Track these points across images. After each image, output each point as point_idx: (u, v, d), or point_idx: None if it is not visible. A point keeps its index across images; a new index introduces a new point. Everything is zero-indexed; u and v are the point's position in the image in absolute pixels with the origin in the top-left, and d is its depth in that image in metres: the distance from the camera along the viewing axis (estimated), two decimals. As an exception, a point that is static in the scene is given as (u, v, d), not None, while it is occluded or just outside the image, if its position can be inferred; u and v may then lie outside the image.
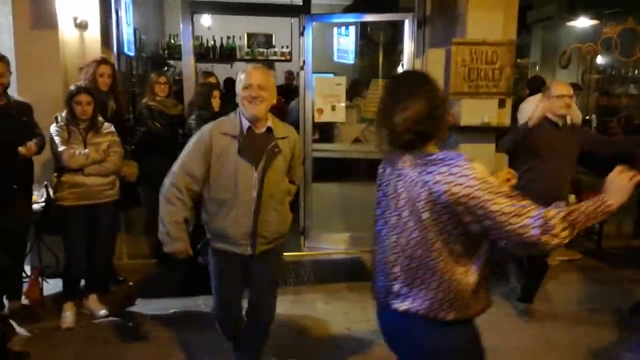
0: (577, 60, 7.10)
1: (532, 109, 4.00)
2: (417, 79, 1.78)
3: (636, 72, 7.74)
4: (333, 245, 5.09)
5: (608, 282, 4.43)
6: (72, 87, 3.49)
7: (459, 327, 1.71)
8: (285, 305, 3.91)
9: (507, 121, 4.95)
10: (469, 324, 1.76)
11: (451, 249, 1.65)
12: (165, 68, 7.10)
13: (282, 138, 2.65)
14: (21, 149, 3.31)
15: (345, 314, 3.81)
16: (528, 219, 1.52)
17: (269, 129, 2.61)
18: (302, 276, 4.52)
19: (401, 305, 1.74)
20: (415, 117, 1.67)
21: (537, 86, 5.10)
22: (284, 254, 3.15)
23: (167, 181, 2.58)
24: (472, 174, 1.56)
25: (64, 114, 3.48)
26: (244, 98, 2.52)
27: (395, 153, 1.75)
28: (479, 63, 4.67)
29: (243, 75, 2.56)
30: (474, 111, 4.75)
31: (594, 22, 7.07)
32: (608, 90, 7.24)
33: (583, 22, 7.26)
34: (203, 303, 3.91)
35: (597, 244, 4.98)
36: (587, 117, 6.24)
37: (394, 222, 1.74)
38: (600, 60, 7.55)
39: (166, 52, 7.15)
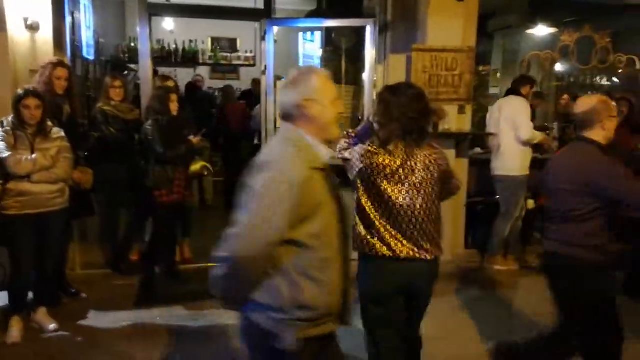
0: (536, 68, 7.23)
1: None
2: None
3: (594, 79, 7.96)
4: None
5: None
6: (20, 91, 3.34)
7: None
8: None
9: (467, 127, 4.99)
10: None
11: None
12: (126, 72, 6.94)
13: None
14: None
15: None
16: None
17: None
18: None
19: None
20: None
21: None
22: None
23: None
24: None
25: (10, 118, 3.33)
26: (336, 117, 1.83)
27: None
28: (440, 69, 4.70)
29: (325, 83, 1.80)
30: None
31: (552, 30, 7.23)
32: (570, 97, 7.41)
33: (542, 31, 7.42)
34: (159, 315, 3.80)
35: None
36: (546, 125, 6.35)
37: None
38: (559, 67, 7.72)
39: (127, 55, 7.00)
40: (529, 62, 6.15)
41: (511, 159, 4.74)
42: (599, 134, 2.55)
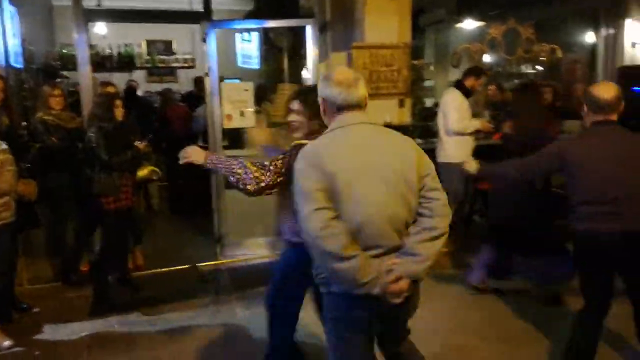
0: (467, 60, 7.60)
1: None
2: None
3: (520, 68, 8.44)
4: (250, 250, 5.08)
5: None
6: (-44, 104, 3.23)
7: None
8: (205, 316, 3.86)
9: (407, 119, 5.22)
10: None
11: None
12: (59, 79, 6.72)
13: None
14: None
15: (265, 319, 3.81)
16: None
17: None
18: (220, 285, 4.48)
19: None
20: None
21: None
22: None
23: None
24: None
25: (-53, 132, 3.21)
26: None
27: None
28: (379, 66, 4.89)
29: (338, 88, 2.03)
30: (377, 112, 4.94)
31: (479, 23, 7.62)
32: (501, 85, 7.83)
33: (470, 24, 7.81)
34: (116, 323, 3.77)
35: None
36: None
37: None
38: (487, 58, 8.14)
39: (59, 62, 6.79)
40: (459, 54, 6.46)
41: (449, 147, 4.99)
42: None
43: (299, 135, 2.55)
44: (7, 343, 3.43)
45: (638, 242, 2.64)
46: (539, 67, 7.79)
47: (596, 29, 6.81)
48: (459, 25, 8.15)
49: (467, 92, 4.93)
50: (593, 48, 7.07)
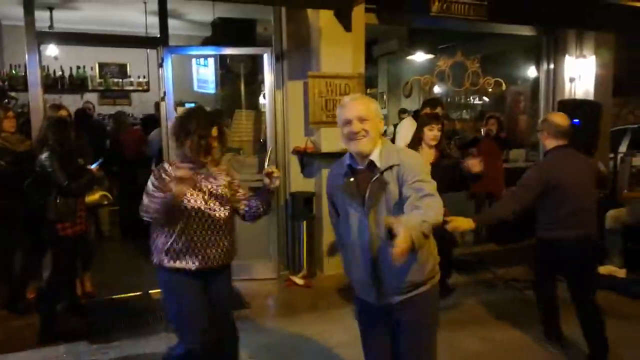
0: (418, 90, 7.90)
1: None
2: None
3: (468, 99, 8.83)
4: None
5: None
6: None
7: None
8: (158, 343, 3.78)
9: (362, 147, 5.34)
10: None
11: None
12: (6, 100, 6.53)
13: (390, 168, 2.22)
14: None
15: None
16: None
17: (371, 163, 2.24)
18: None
19: None
20: None
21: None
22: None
23: None
24: None
25: None
26: (345, 136, 2.26)
27: None
28: (334, 94, 5.02)
29: (340, 109, 2.31)
30: (332, 138, 5.05)
31: (429, 56, 7.95)
32: (448, 116, 8.17)
33: (420, 56, 8.14)
34: (65, 352, 3.64)
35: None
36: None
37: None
38: (437, 89, 8.49)
39: (6, 83, 6.61)
40: (411, 85, 6.72)
41: None
42: None
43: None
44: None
45: (589, 243, 3.39)
46: (486, 99, 8.18)
47: (538, 64, 7.23)
48: (410, 57, 8.46)
49: None
50: (535, 82, 7.50)
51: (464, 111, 9.03)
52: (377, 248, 2.22)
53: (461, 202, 6.07)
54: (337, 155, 5.04)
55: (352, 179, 2.28)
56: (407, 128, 5.23)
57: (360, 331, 2.51)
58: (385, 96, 10.18)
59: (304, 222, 5.08)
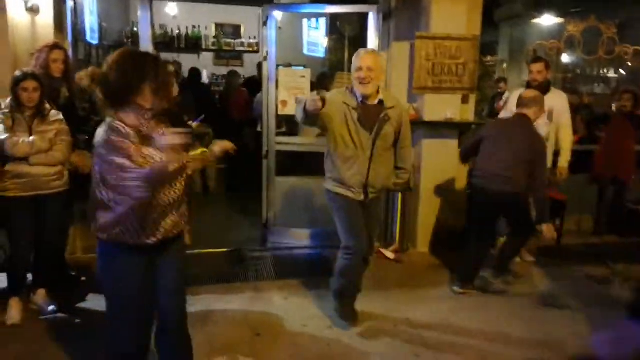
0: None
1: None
2: None
3: (601, 70, 7.87)
4: (295, 240, 5.01)
5: (567, 278, 4.46)
6: (18, 73, 3.32)
7: None
8: (243, 301, 3.83)
9: (470, 117, 4.95)
10: None
11: None
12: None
13: (391, 108, 3.29)
14: None
15: (302, 310, 3.75)
16: None
17: (381, 101, 3.28)
18: (262, 272, 4.44)
19: None
20: None
21: None
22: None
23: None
24: None
25: (8, 100, 3.32)
26: (356, 79, 3.22)
27: None
28: (443, 58, 4.65)
29: (355, 59, 3.23)
30: (437, 106, 4.73)
31: (558, 20, 7.15)
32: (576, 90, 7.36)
33: (548, 20, 7.34)
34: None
35: (556, 242, 5.02)
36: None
37: None
38: (565, 58, 7.65)
39: (129, 40, 6.99)
40: (535, 51, 6.07)
41: None
42: None
43: None
44: (51, 308, 3.54)
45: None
46: (622, 71, 7.22)
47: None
48: (536, 20, 7.68)
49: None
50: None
51: (595, 84, 8.07)
52: (374, 162, 3.29)
53: (581, 185, 5.46)
54: (441, 125, 4.76)
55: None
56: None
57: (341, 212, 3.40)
58: (505, 64, 9.41)
59: (399, 194, 4.83)
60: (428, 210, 4.93)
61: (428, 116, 4.71)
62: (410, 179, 3.75)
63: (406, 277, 4.41)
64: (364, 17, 4.99)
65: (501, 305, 3.93)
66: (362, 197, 3.34)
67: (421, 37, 4.61)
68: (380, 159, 3.31)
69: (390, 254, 4.74)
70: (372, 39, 4.80)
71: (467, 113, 4.93)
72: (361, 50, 3.28)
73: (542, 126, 4.60)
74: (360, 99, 3.25)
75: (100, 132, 2.08)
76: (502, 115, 4.74)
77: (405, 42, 4.80)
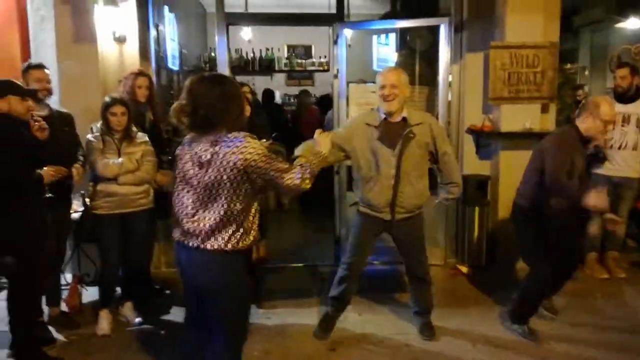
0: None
1: None
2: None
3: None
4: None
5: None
6: (107, 99, 3.58)
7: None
8: (318, 316, 3.84)
9: (550, 127, 4.74)
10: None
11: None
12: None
13: (417, 125, 3.21)
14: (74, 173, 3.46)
15: (377, 326, 3.71)
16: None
17: (404, 119, 3.22)
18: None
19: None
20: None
21: None
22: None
23: None
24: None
25: (99, 124, 3.57)
26: (380, 97, 3.18)
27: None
28: (520, 67, 4.51)
29: (379, 77, 3.22)
30: (514, 117, 4.57)
31: (644, 23, 6.72)
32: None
33: (633, 24, 6.92)
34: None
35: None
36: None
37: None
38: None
39: (207, 65, 7.30)
40: (619, 57, 5.76)
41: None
42: None
43: None
44: (138, 320, 3.73)
45: None
46: None
47: None
48: (619, 25, 7.26)
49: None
50: None
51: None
52: (400, 180, 3.22)
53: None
54: (518, 136, 4.59)
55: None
56: None
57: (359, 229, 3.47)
58: (587, 71, 8.95)
59: (476, 209, 4.69)
60: (507, 225, 4.73)
61: (505, 127, 4.57)
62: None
63: (484, 293, 4.26)
64: (434, 30, 4.94)
65: (590, 326, 3.70)
66: (389, 217, 3.28)
67: (496, 46, 4.50)
68: (408, 177, 3.21)
69: (466, 270, 4.60)
70: (444, 52, 4.73)
71: (547, 123, 4.73)
72: (384, 69, 3.33)
73: (630, 133, 4.35)
74: (383, 117, 3.22)
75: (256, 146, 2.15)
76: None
77: (479, 53, 4.71)
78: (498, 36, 4.58)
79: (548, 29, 4.57)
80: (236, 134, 2.17)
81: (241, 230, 2.22)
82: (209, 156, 2.15)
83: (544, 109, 4.70)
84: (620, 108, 4.31)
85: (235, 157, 2.11)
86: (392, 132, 3.19)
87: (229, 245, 2.19)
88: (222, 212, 2.17)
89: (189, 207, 2.23)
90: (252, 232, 2.28)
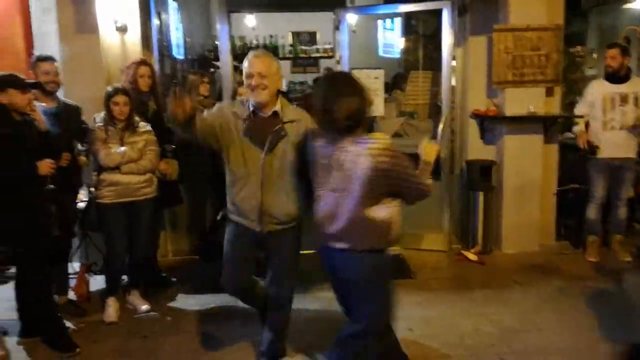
0: (636, 43, 6.63)
1: None
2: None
3: None
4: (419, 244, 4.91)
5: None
6: (110, 89, 3.59)
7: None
8: (321, 303, 3.84)
9: (555, 110, 4.70)
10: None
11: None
12: (212, 70, 7.21)
13: (290, 122, 2.68)
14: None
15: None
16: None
17: (275, 113, 2.68)
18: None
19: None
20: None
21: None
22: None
23: None
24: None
25: (102, 114, 3.59)
26: (247, 87, 2.64)
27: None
28: (524, 50, 4.46)
29: (245, 63, 2.63)
30: (519, 100, 4.54)
31: (655, 2, 6.58)
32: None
33: (642, 4, 6.78)
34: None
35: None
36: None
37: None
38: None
39: (212, 53, 7.28)
40: (627, 38, 5.66)
41: None
42: None
43: None
44: (145, 307, 3.78)
45: None
46: None
47: None
48: (628, 5, 7.13)
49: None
50: None
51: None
52: (269, 184, 2.67)
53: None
54: (523, 120, 4.56)
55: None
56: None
57: (229, 245, 2.87)
58: (595, 54, 8.82)
59: (481, 193, 4.68)
60: (512, 210, 4.72)
61: (509, 111, 4.54)
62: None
63: (489, 278, 4.26)
64: (439, 14, 4.89)
65: (592, 307, 3.70)
66: (258, 228, 2.71)
67: (499, 29, 4.45)
68: (278, 181, 2.66)
69: (472, 256, 4.60)
70: (447, 35, 4.69)
71: (552, 106, 4.69)
72: (250, 54, 2.66)
73: (629, 113, 4.31)
74: (252, 109, 2.67)
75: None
76: (578, 105, 4.63)
77: (482, 37, 4.67)
78: (502, 19, 4.53)
79: (552, 11, 4.52)
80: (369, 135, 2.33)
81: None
82: (350, 157, 2.28)
83: (549, 92, 4.66)
84: (615, 88, 4.33)
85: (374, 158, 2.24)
86: (261, 128, 2.64)
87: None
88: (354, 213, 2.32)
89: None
90: None
